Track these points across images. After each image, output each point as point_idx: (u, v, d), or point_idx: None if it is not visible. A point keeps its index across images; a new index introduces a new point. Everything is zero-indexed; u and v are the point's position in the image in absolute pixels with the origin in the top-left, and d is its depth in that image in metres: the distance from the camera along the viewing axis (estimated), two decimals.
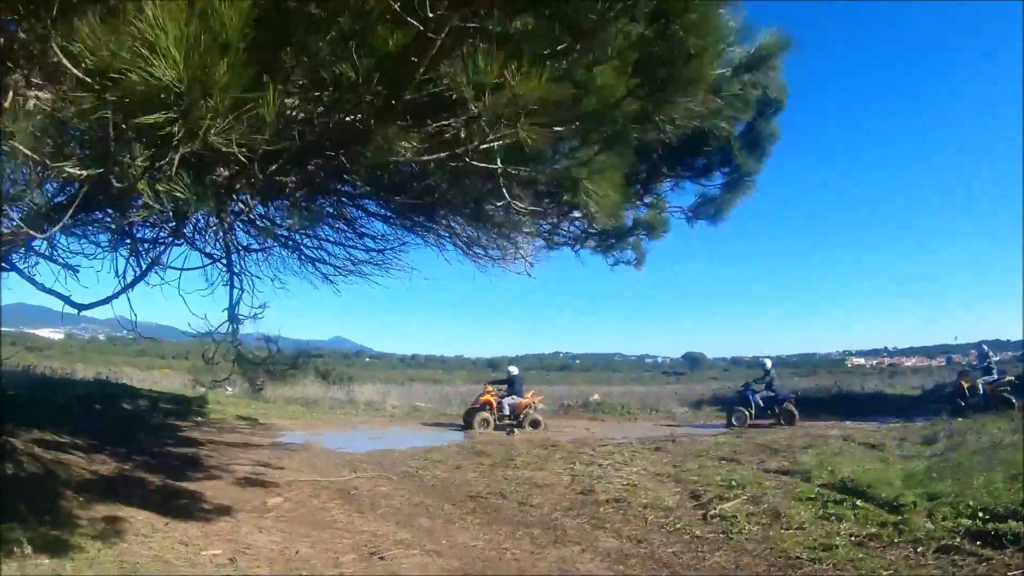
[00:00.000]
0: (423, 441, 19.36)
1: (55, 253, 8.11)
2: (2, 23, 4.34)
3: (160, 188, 4.33)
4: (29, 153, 4.01)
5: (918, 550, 7.62)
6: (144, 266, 8.85)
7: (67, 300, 7.57)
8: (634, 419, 27.15)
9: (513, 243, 10.19)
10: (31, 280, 7.56)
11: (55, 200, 5.69)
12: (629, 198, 9.29)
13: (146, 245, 9.14)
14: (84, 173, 4.41)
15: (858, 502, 9.48)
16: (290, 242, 10.60)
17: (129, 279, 8.69)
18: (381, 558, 8.14)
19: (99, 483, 10.28)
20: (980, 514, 8.24)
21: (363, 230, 10.75)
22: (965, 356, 76.48)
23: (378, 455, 16.45)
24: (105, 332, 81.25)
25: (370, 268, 11.19)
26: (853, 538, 8.18)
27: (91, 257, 8.46)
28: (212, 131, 3.82)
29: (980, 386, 22.52)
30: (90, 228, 8.32)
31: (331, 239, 10.83)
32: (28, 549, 6.59)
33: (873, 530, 8.38)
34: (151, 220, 8.21)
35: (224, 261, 9.79)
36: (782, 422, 22.53)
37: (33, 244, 7.35)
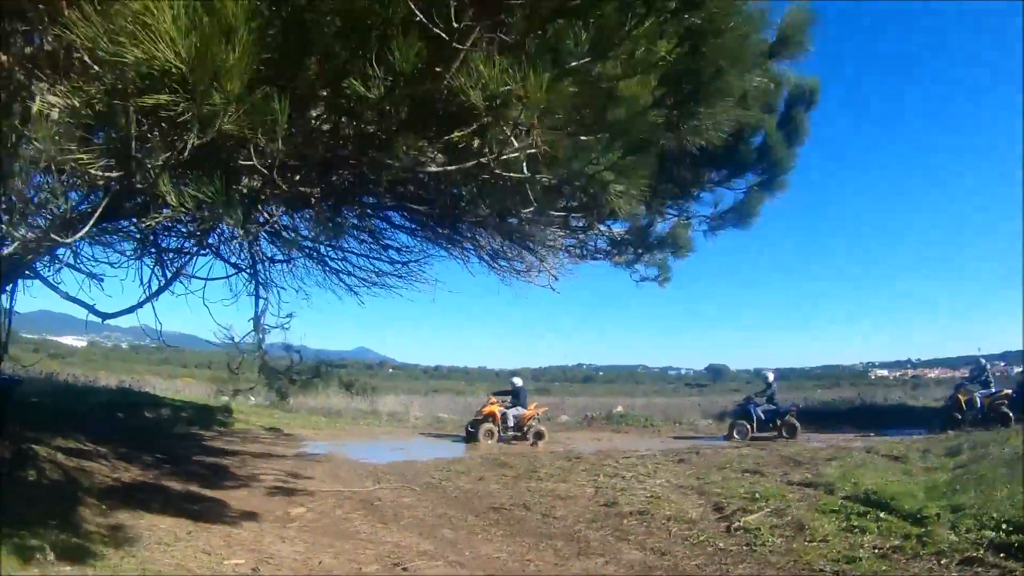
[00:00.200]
0: (433, 452, 19.42)
1: (79, 262, 8.20)
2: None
3: (187, 192, 4.35)
4: (53, 154, 4.05)
5: (942, 562, 7.58)
6: (169, 275, 8.93)
7: (91, 309, 7.66)
8: (657, 431, 27.05)
9: (538, 256, 10.20)
10: (55, 288, 7.65)
11: (79, 208, 5.75)
12: (655, 201, 9.28)
13: (171, 255, 9.22)
14: (107, 175, 4.45)
15: (881, 514, 9.42)
16: (314, 253, 10.65)
17: (154, 288, 8.77)
18: (404, 569, 8.15)
19: (121, 491, 10.33)
20: (1004, 526, 8.20)
21: (387, 242, 10.79)
22: (990, 367, 76.00)
23: (401, 466, 16.47)
24: (128, 340, 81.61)
25: (394, 280, 11.24)
26: (877, 550, 8.13)
27: (116, 266, 8.55)
28: (226, 118, 3.84)
29: (978, 400, 22.35)
30: (115, 237, 8.40)
31: (355, 251, 10.88)
32: (51, 556, 6.63)
33: (897, 542, 8.33)
34: (177, 229, 8.29)
35: (249, 271, 9.86)
36: (784, 435, 22.46)
37: (57, 252, 7.44)
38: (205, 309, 9.41)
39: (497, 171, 5.16)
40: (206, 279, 9.47)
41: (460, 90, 4.45)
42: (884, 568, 7.54)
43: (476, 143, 5.15)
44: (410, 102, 4.83)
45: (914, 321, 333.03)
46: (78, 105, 4.03)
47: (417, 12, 4.23)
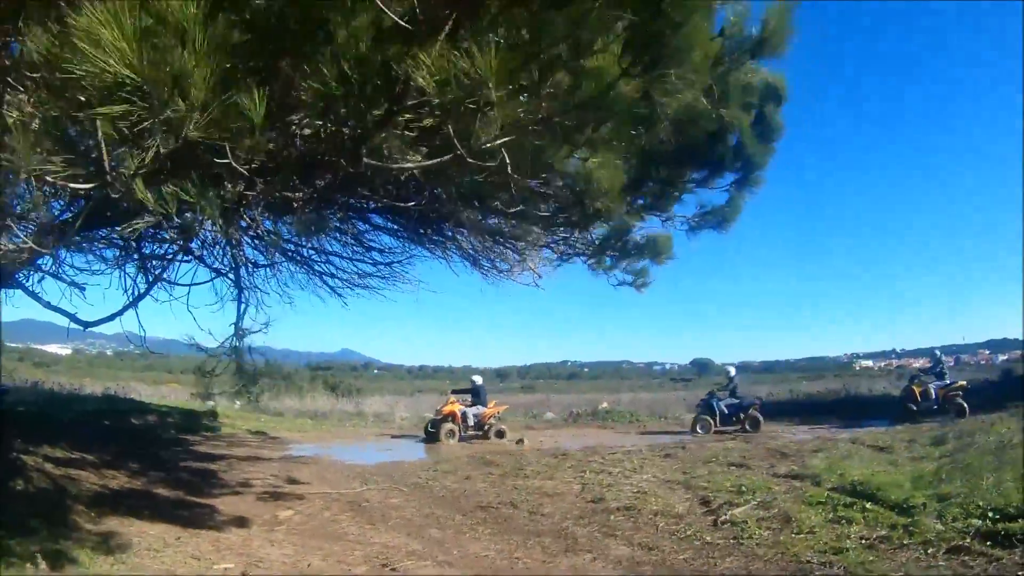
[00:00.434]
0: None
1: (61, 270, 8.18)
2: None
3: (167, 194, 4.35)
4: (32, 165, 4.04)
5: (928, 551, 7.62)
6: (149, 281, 8.91)
7: (73, 318, 7.63)
8: (643, 426, 27.10)
9: (521, 255, 10.22)
10: (36, 298, 7.63)
11: (61, 216, 5.73)
12: (636, 189, 9.30)
13: (154, 262, 9.21)
14: (85, 186, 4.44)
15: (868, 505, 9.47)
16: (298, 256, 10.67)
17: (136, 295, 8.75)
18: (393, 570, 8.16)
19: (110, 498, 10.32)
20: (990, 514, 8.24)
21: (371, 244, 10.82)
22: (974, 356, 76.51)
23: (388, 467, 16.46)
24: (112, 347, 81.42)
25: (377, 281, 11.26)
26: (864, 541, 8.17)
27: (98, 274, 8.53)
28: (191, 125, 3.83)
29: (932, 391, 22.55)
30: (97, 244, 8.38)
31: (339, 253, 10.89)
32: (41, 564, 6.65)
33: (883, 532, 8.37)
34: (159, 236, 8.28)
35: (232, 276, 9.85)
36: (747, 429, 22.58)
37: (39, 262, 7.41)
38: (189, 315, 9.40)
39: (472, 162, 5.15)
40: (189, 285, 9.46)
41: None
42: (871, 559, 7.57)
43: (451, 134, 5.15)
44: (380, 96, 4.83)
45: (898, 312, 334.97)
46: (47, 117, 4.03)
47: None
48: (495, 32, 4.63)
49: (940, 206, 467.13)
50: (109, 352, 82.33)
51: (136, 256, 8.97)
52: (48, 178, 4.27)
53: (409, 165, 5.68)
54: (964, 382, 23.40)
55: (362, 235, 10.61)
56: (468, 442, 22.01)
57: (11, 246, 4.84)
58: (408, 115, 5.28)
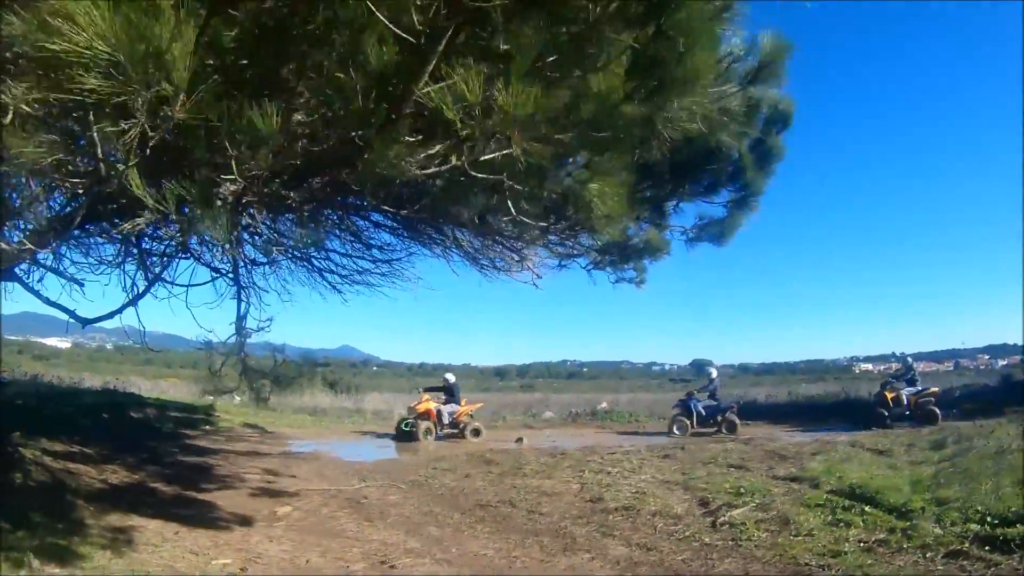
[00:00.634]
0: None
1: (61, 266, 8.16)
2: None
3: (168, 191, 4.33)
4: (28, 153, 4.04)
5: (927, 555, 7.63)
6: (150, 279, 8.89)
7: (72, 314, 7.62)
8: (642, 426, 27.08)
9: (520, 254, 10.21)
10: (36, 294, 7.61)
11: (62, 211, 5.72)
12: (634, 210, 9.29)
13: (153, 259, 9.18)
14: (79, 180, 4.43)
15: (866, 508, 9.47)
16: (297, 253, 10.63)
17: (136, 292, 8.73)
18: (391, 567, 8.18)
19: (109, 492, 10.32)
20: (988, 519, 8.25)
21: (370, 241, 10.78)
22: (973, 361, 76.38)
23: (387, 464, 16.51)
24: (112, 341, 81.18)
25: (377, 278, 11.21)
26: (862, 544, 8.18)
27: (97, 272, 8.51)
28: (178, 107, 3.81)
29: (904, 397, 22.63)
30: (96, 240, 8.36)
31: (338, 250, 10.85)
32: (39, 558, 6.63)
33: (882, 536, 8.37)
34: (157, 234, 8.25)
35: (231, 275, 9.83)
36: (724, 431, 22.59)
37: (39, 257, 7.39)
38: (188, 311, 9.38)
39: (474, 174, 5.16)
40: (188, 285, 9.43)
41: (437, 106, 4.44)
42: (869, 562, 7.58)
43: (450, 146, 5.16)
44: (386, 104, 4.83)
45: (898, 316, 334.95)
46: (36, 104, 4.02)
47: (378, 15, 4.23)
48: (499, 42, 4.65)
49: (941, 209, 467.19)
50: (109, 346, 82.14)
51: (135, 251, 8.95)
52: (44, 169, 4.26)
53: (412, 173, 5.67)
54: (936, 388, 23.49)
55: (361, 232, 10.60)
56: (443, 441, 21.91)
57: (9, 246, 4.83)
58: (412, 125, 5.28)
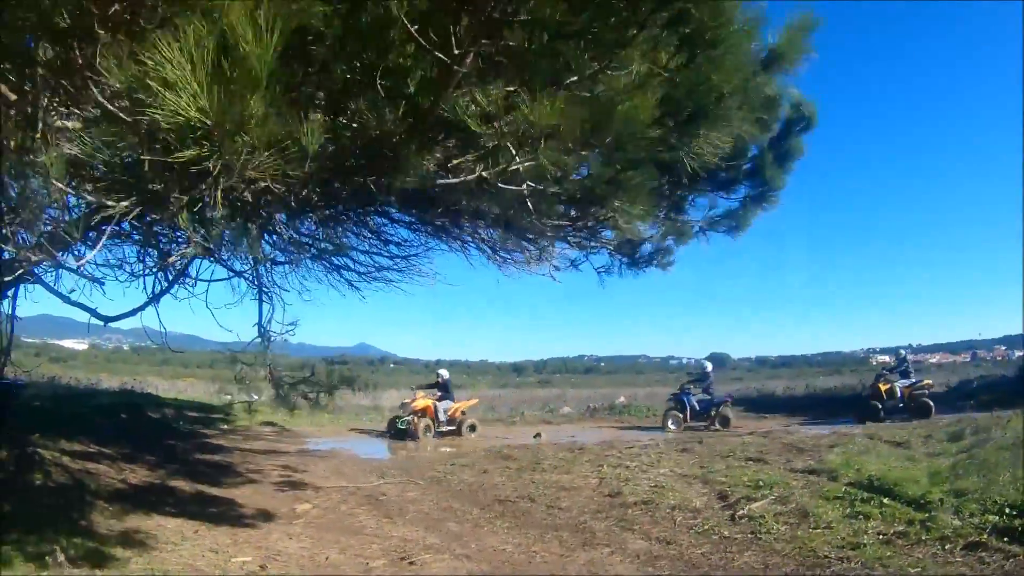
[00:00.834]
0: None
1: (83, 268, 8.21)
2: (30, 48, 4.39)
3: (212, 230, 4.38)
4: (63, 187, 4.07)
5: (946, 547, 7.60)
6: (170, 278, 8.95)
7: (94, 312, 7.66)
8: (660, 420, 27.04)
9: (539, 248, 10.22)
10: (57, 293, 7.64)
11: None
12: (655, 213, 9.31)
13: (172, 258, 9.24)
14: (120, 205, 4.46)
15: (885, 500, 9.41)
16: (316, 250, 10.67)
17: (156, 291, 8.79)
18: (411, 563, 8.19)
19: (128, 492, 10.38)
20: (1007, 510, 8.19)
21: (387, 237, 10.82)
22: (990, 352, 75.91)
23: (404, 460, 16.56)
24: (129, 342, 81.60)
25: (394, 274, 11.25)
26: (881, 536, 8.15)
27: (117, 270, 8.55)
28: (249, 166, 3.85)
29: (897, 390, 22.45)
30: (117, 240, 8.41)
31: (356, 247, 10.89)
32: (61, 558, 6.68)
33: (900, 528, 8.34)
34: (181, 239, 8.32)
35: (251, 276, 9.89)
36: (717, 425, 22.56)
37: (60, 256, 7.44)
38: (208, 311, 9.43)
39: (499, 184, 5.19)
40: (209, 281, 9.49)
41: (463, 119, 4.48)
42: (888, 554, 7.56)
43: (476, 157, 5.20)
44: (416, 121, 4.86)
45: (914, 307, 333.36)
46: (98, 144, 4.06)
47: (415, 34, 4.26)
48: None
49: (958, 202, 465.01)
50: (126, 347, 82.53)
51: (155, 252, 9.00)
52: (84, 196, 4.30)
53: (437, 182, 5.71)
54: (929, 380, 23.52)
55: (379, 229, 10.64)
56: (440, 438, 21.85)
57: (36, 257, 4.86)
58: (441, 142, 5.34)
